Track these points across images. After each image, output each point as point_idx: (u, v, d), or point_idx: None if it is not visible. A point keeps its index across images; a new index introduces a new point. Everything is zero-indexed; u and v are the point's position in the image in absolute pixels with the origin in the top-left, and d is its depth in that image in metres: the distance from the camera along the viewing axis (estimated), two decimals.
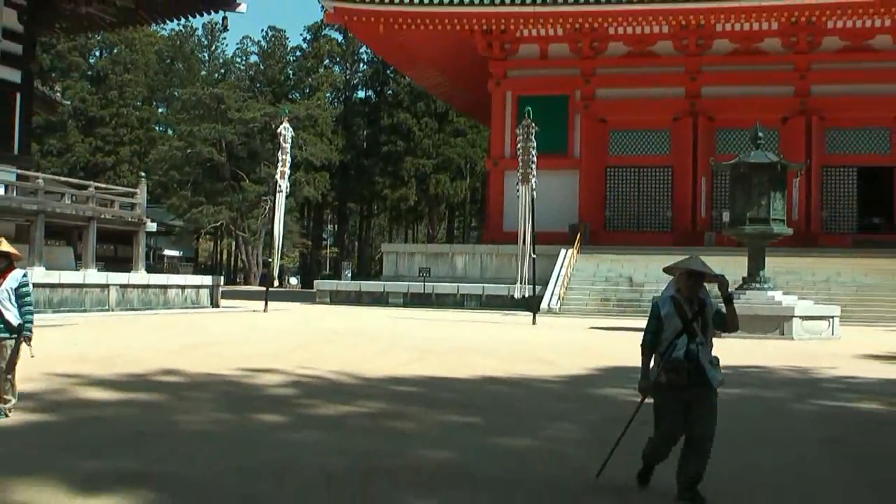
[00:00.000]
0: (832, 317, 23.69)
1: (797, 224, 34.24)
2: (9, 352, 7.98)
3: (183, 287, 30.04)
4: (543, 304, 31.98)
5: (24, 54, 29.02)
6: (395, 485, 6.07)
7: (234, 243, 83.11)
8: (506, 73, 43.28)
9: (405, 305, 35.95)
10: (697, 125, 40.96)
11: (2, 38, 23.32)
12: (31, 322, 8.10)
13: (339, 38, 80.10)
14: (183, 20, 48.01)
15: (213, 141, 71.26)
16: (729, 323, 5.74)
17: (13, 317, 7.91)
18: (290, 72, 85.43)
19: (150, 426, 8.08)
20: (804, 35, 40.20)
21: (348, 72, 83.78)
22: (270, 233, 37.07)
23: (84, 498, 5.45)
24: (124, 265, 29.72)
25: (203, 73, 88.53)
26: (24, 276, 8.16)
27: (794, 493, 6.12)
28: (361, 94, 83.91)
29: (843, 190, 41.18)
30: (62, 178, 33.13)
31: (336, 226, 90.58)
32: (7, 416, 8.04)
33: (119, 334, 18.43)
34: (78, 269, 26.69)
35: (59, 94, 51.51)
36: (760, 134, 24.76)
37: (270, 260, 37.39)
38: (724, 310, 5.77)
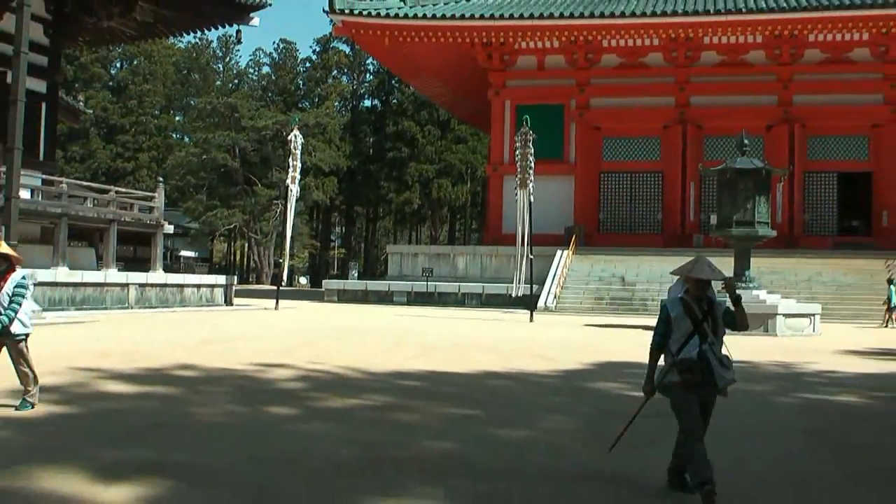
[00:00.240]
0: (813, 314, 23.71)
1: (781, 227, 34.24)
2: (22, 349, 7.92)
3: (198, 286, 30.05)
4: (540, 303, 31.97)
5: (49, 66, 29.06)
6: (401, 473, 6.07)
7: (246, 244, 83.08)
8: (505, 83, 43.28)
9: (409, 304, 35.94)
10: (686, 133, 40.95)
11: (28, 51, 23.27)
12: (7, 320, 7.78)
13: (347, 49, 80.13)
14: (199, 33, 48.13)
15: (227, 147, 71.28)
16: (739, 322, 5.63)
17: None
18: (301, 82, 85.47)
19: (168, 418, 8.09)
20: (787, 48, 40.21)
21: (355, 82, 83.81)
22: (281, 234, 37.12)
23: (105, 485, 5.45)
24: (143, 265, 29.73)
25: (218, 83, 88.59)
26: (23, 278, 8.00)
27: (782, 481, 6.11)
28: (368, 103, 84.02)
29: (823, 194, 41.20)
30: (84, 183, 33.17)
31: (343, 228, 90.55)
32: (33, 406, 8.03)
33: (138, 331, 18.43)
34: (99, 269, 26.70)
35: (81, 103, 51.55)
36: (746, 141, 24.75)
37: (281, 260, 37.41)
38: (732, 308, 5.66)
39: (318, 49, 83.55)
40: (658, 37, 40.17)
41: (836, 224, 41.07)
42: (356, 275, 61.87)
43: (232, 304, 30.90)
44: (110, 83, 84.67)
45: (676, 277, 5.99)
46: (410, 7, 40.74)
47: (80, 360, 12.08)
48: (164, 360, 12.51)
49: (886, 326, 27.11)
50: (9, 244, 22.00)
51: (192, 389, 9.99)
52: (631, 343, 19.05)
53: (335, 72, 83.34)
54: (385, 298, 37.24)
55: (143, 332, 17.94)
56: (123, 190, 32.40)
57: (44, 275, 22.68)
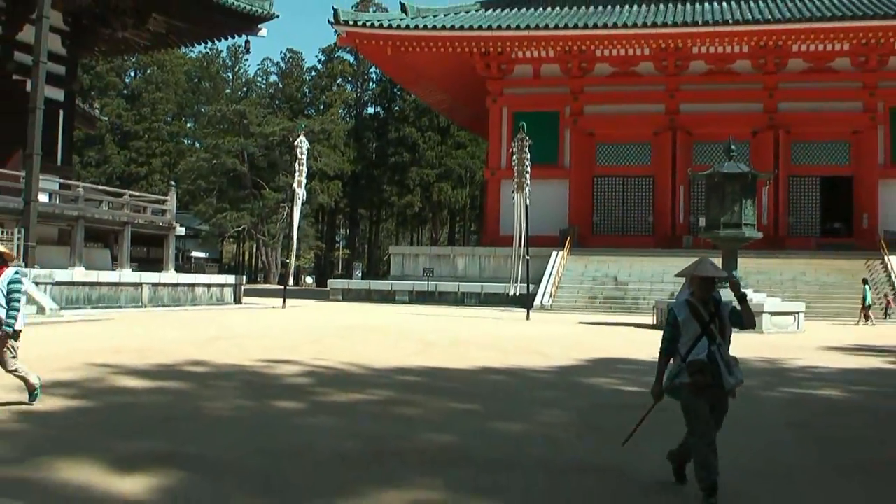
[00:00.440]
0: (798, 313, 23.73)
1: (766, 228, 34.28)
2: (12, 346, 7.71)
3: (209, 286, 30.07)
4: (536, 302, 31.97)
5: (66, 75, 29.13)
6: (403, 465, 6.06)
7: (255, 246, 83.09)
8: (502, 90, 43.28)
9: (411, 302, 35.94)
10: (676, 139, 40.97)
11: (47, 61, 23.33)
12: (14, 319, 7.70)
13: (351, 59, 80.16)
14: (209, 44, 48.11)
15: (236, 153, 71.33)
16: (746, 320, 5.44)
17: (4, 315, 7.62)
18: (307, 90, 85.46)
19: (179, 412, 8.08)
20: (772, 57, 40.23)
21: (359, 90, 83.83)
22: (288, 236, 37.16)
23: (120, 476, 5.45)
24: (156, 265, 29.74)
25: (227, 91, 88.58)
26: (16, 273, 7.81)
27: (767, 472, 6.11)
28: (371, 110, 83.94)
29: (807, 197, 41.24)
30: (100, 187, 33.16)
31: (348, 230, 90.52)
32: (38, 398, 7.92)
33: (151, 328, 18.44)
34: (114, 270, 26.72)
35: (97, 110, 51.63)
36: (733, 147, 24.76)
37: (288, 261, 37.50)
38: (738, 308, 5.49)
39: (323, 58, 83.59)
40: (649, 47, 40.18)
41: (818, 226, 41.12)
42: (360, 275, 61.97)
43: (241, 303, 30.91)
44: (125, 91, 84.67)
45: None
46: (412, 19, 40.77)
47: (95, 356, 12.08)
48: (176, 357, 12.51)
49: (861, 324, 27.18)
50: (28, 245, 22.19)
51: (202, 384, 9.99)
52: (623, 340, 19.08)
53: (340, 80, 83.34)
54: (388, 297, 37.23)
55: (155, 330, 17.94)
56: (137, 193, 32.41)
57: (61, 275, 22.71)
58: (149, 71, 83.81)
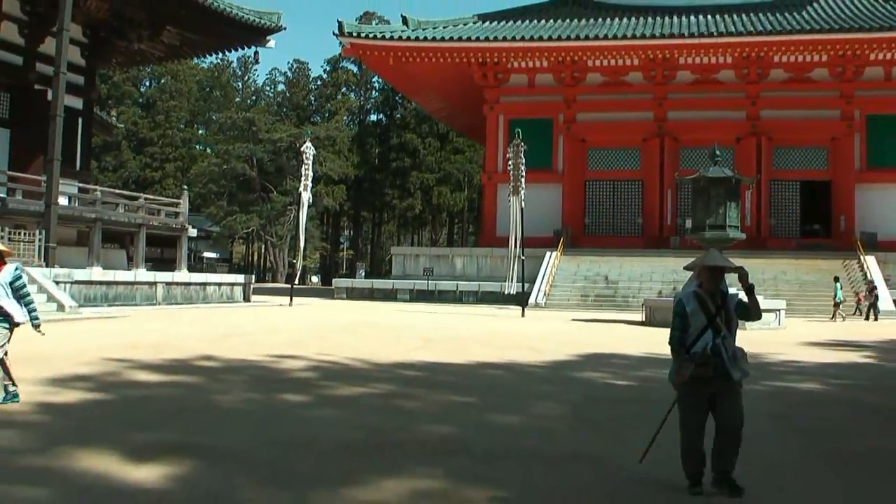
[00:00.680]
0: (779, 310, 23.74)
1: (749, 230, 34.31)
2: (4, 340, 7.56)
3: (219, 284, 30.05)
4: (531, 300, 31.97)
5: (85, 85, 29.15)
6: (404, 455, 6.06)
7: (263, 246, 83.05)
8: (498, 99, 43.27)
9: (411, 301, 35.92)
10: (664, 145, 40.96)
11: (67, 71, 23.35)
12: (35, 310, 7.70)
13: (355, 69, 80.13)
14: (220, 55, 48.06)
15: (245, 158, 71.33)
16: (752, 311, 5.22)
17: (13, 309, 7.48)
18: (313, 98, 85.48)
19: (191, 404, 8.08)
20: (754, 68, 40.25)
21: (362, 98, 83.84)
22: (295, 237, 37.09)
23: (135, 465, 5.45)
24: (169, 265, 29.75)
25: (237, 99, 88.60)
26: (17, 269, 7.67)
27: (751, 461, 6.10)
28: (374, 117, 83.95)
29: (787, 201, 41.25)
30: (116, 191, 33.16)
31: (351, 231, 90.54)
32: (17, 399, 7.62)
33: (165, 325, 18.43)
34: (130, 269, 26.71)
35: (114, 118, 51.64)
36: (718, 152, 24.71)
37: (295, 261, 37.43)
38: (745, 299, 5.27)
39: (328, 68, 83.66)
40: (638, 57, 40.18)
41: (798, 227, 41.13)
42: (363, 274, 61.85)
43: (250, 301, 30.90)
44: (140, 100, 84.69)
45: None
46: (413, 31, 40.78)
47: (111, 351, 12.08)
48: (188, 352, 12.50)
49: (838, 320, 27.25)
50: (49, 246, 22.17)
51: (213, 378, 9.99)
52: (614, 336, 19.07)
53: (344, 89, 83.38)
54: (389, 295, 37.21)
55: (169, 327, 17.94)
56: (151, 197, 32.43)
57: (80, 274, 22.70)
58: (163, 80, 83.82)
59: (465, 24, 42.99)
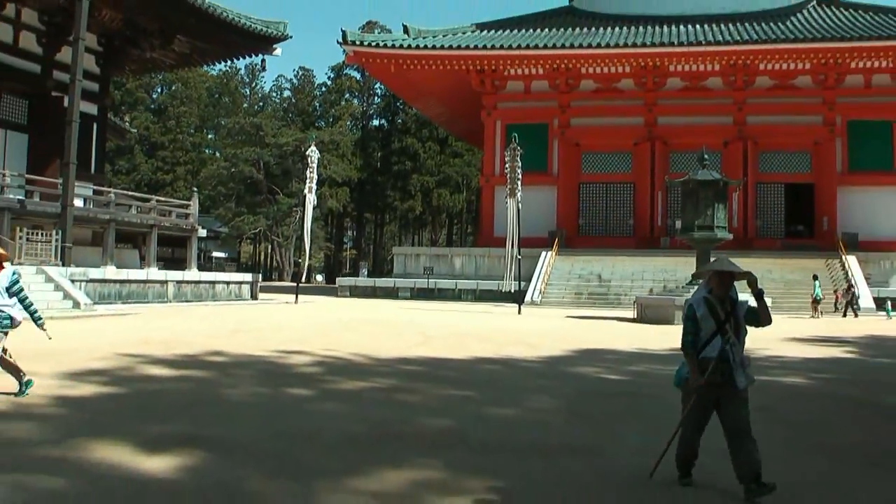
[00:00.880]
0: None
1: (736, 230, 34.33)
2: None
3: (228, 283, 30.02)
4: (527, 297, 31.97)
5: (99, 91, 29.16)
6: (405, 447, 6.06)
7: (270, 246, 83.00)
8: (496, 105, 43.27)
9: (412, 298, 35.92)
10: (654, 149, 40.97)
11: (82, 79, 23.35)
12: (37, 311, 7.65)
13: (358, 76, 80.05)
14: (229, 62, 48.04)
15: (253, 161, 71.29)
16: (762, 317, 5.04)
17: (11, 310, 7.39)
18: (317, 104, 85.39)
19: (201, 398, 8.08)
20: (741, 75, 40.25)
21: (365, 104, 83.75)
22: (300, 238, 37.05)
23: (147, 456, 5.46)
24: (180, 264, 29.71)
25: (245, 105, 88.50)
26: (14, 273, 7.56)
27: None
28: (376, 122, 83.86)
29: (773, 202, 41.26)
30: (129, 193, 33.15)
31: (354, 232, 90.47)
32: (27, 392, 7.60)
33: (175, 322, 18.42)
34: (142, 268, 26.70)
35: (127, 123, 51.57)
36: (706, 156, 24.79)
37: (300, 260, 37.45)
38: (755, 306, 5.08)
39: (332, 75, 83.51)
40: (629, 65, 40.16)
41: (783, 228, 41.15)
42: (366, 273, 61.81)
43: (257, 299, 30.87)
44: (152, 106, 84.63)
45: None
46: (413, 39, 40.76)
47: (125, 347, 12.08)
48: (198, 348, 12.50)
49: (818, 316, 27.33)
50: (65, 246, 22.17)
51: (222, 373, 9.98)
52: (606, 333, 19.07)
53: (347, 95, 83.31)
54: (391, 293, 37.21)
55: (180, 323, 17.93)
56: (163, 199, 32.40)
57: (94, 273, 22.70)
58: (174, 87, 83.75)
59: (463, 33, 42.99)
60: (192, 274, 28.09)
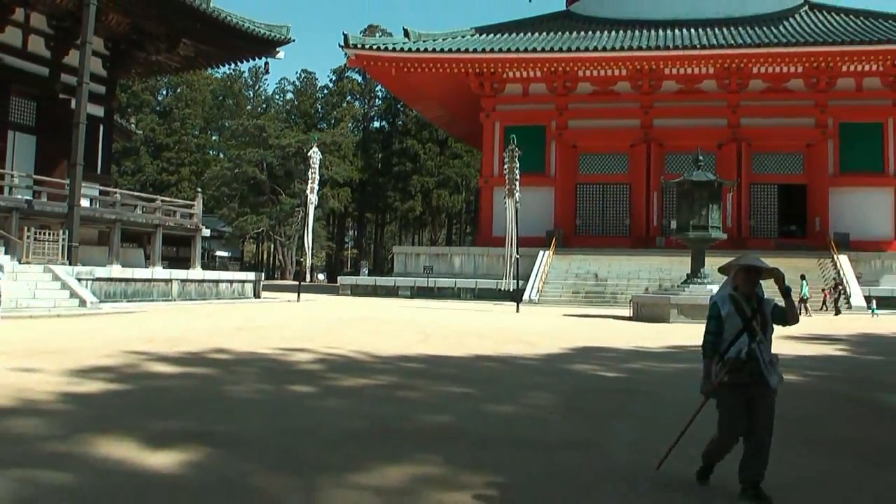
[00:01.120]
0: None
1: (730, 230, 34.31)
2: None
3: (231, 282, 30.00)
4: (525, 296, 31.96)
5: (106, 94, 29.13)
6: (406, 442, 6.05)
7: (272, 246, 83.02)
8: (494, 107, 43.26)
9: (412, 297, 35.92)
10: (650, 150, 40.99)
11: (89, 81, 23.34)
12: None
13: (359, 78, 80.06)
14: (233, 65, 48.09)
15: (256, 163, 71.31)
16: (789, 316, 4.78)
17: None
18: (319, 106, 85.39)
19: (206, 394, 8.07)
20: (735, 78, 40.26)
21: (366, 106, 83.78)
22: (302, 237, 36.99)
23: (152, 451, 5.44)
24: (184, 264, 29.69)
25: (248, 107, 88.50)
26: None
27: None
28: (377, 124, 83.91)
29: (766, 203, 41.30)
30: (135, 193, 33.11)
31: (355, 231, 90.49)
32: None
33: (180, 320, 18.42)
34: (147, 267, 26.68)
35: (133, 125, 51.55)
36: (701, 157, 24.80)
37: (302, 259, 37.43)
38: (781, 303, 4.83)
39: (334, 78, 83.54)
40: (626, 68, 40.19)
41: (776, 228, 41.19)
42: (367, 272, 61.84)
43: (260, 297, 30.86)
44: (157, 108, 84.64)
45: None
46: (414, 43, 40.75)
47: (130, 344, 12.07)
48: (203, 345, 12.48)
49: (806, 315, 27.36)
50: (72, 245, 22.17)
51: (226, 370, 9.97)
52: (603, 331, 19.07)
53: (349, 97, 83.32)
54: (391, 292, 37.21)
55: (184, 321, 17.92)
56: (168, 199, 32.36)
57: (100, 272, 22.69)
58: (179, 90, 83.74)
59: (463, 37, 42.97)
60: (196, 273, 28.07)
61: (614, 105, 41.66)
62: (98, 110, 28.00)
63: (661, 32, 40.75)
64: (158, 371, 9.60)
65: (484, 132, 43.61)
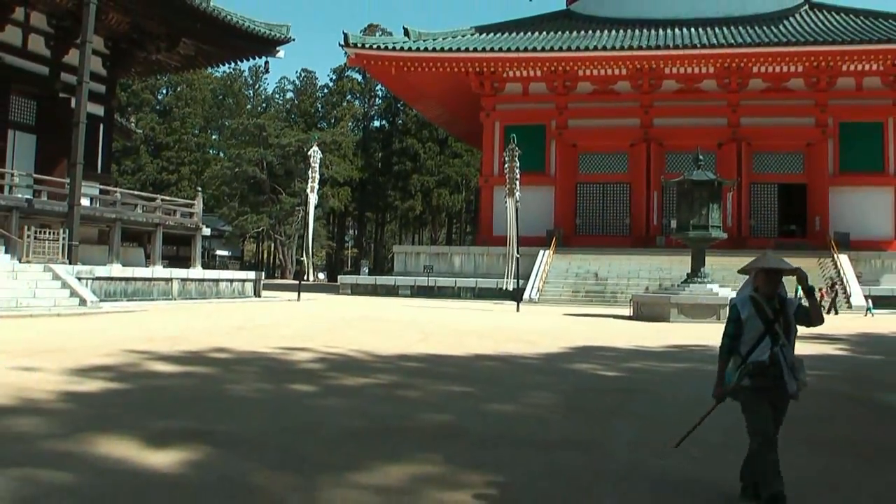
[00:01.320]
0: None
1: (730, 230, 34.30)
2: None
3: (231, 281, 29.98)
4: (525, 295, 31.96)
5: (106, 93, 29.10)
6: (406, 441, 6.05)
7: (272, 245, 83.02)
8: (494, 106, 43.26)
9: (412, 296, 35.92)
10: (650, 150, 40.98)
11: (89, 81, 23.32)
12: None
13: (359, 78, 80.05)
14: (233, 64, 48.09)
15: (256, 162, 71.29)
16: (813, 316, 4.59)
17: None
18: (319, 105, 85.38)
19: (206, 393, 8.07)
20: (735, 77, 40.26)
21: (366, 105, 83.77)
22: (303, 236, 37.01)
23: (153, 450, 5.45)
24: (184, 263, 29.67)
25: (249, 106, 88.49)
26: None
27: (733, 446, 6.11)
28: (377, 123, 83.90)
29: (766, 202, 41.30)
30: (135, 192, 33.08)
31: (356, 231, 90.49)
32: None
33: (180, 319, 18.41)
34: (147, 266, 26.67)
35: (133, 124, 51.53)
36: (701, 157, 24.80)
37: (302, 258, 37.39)
38: (805, 304, 4.64)
39: (334, 77, 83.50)
40: (626, 67, 40.19)
41: (776, 228, 41.19)
42: (367, 271, 61.84)
43: (260, 297, 30.84)
44: (157, 107, 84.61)
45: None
46: (414, 42, 40.75)
47: (130, 343, 12.07)
48: (203, 344, 12.48)
49: None
50: (72, 244, 22.18)
51: (226, 369, 9.97)
52: (603, 330, 19.07)
53: (349, 97, 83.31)
54: (392, 291, 37.21)
55: (184, 321, 17.92)
56: (168, 198, 32.35)
57: (100, 271, 22.68)
58: (179, 89, 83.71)
59: (463, 36, 42.96)
60: (197, 272, 28.06)
61: (614, 104, 41.66)
62: (98, 109, 27.97)
63: (661, 32, 40.74)
64: (159, 370, 9.59)
65: (484, 131, 43.61)
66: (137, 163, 77.69)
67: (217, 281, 28.83)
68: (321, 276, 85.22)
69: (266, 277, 40.02)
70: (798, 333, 4.71)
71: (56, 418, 6.55)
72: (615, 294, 32.51)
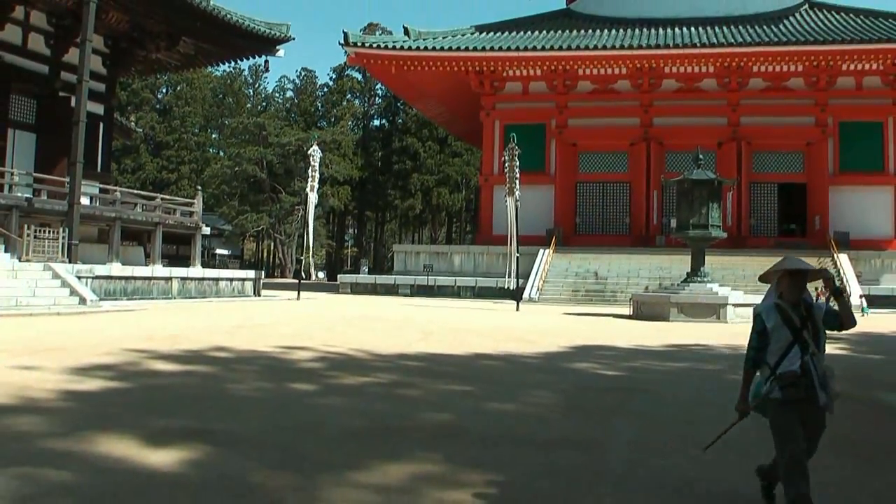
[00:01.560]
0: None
1: (730, 229, 34.29)
2: None
3: (231, 280, 29.98)
4: (525, 294, 31.95)
5: (106, 92, 29.11)
6: (406, 441, 6.05)
7: (272, 244, 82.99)
8: (494, 105, 43.24)
9: (412, 295, 35.90)
10: (650, 149, 40.96)
11: (89, 79, 23.32)
12: None
13: (359, 77, 79.99)
14: (233, 63, 47.99)
15: (256, 161, 71.25)
16: (845, 319, 4.31)
17: None
18: (319, 104, 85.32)
19: (206, 392, 8.06)
20: (735, 77, 40.25)
21: (366, 104, 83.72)
22: (302, 235, 36.98)
23: (153, 449, 5.44)
24: (184, 262, 29.67)
25: (248, 105, 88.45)
26: None
27: (731, 445, 6.10)
28: (377, 122, 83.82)
29: (766, 202, 41.29)
30: (135, 192, 33.07)
31: (356, 230, 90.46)
32: None
33: (180, 318, 18.40)
34: (147, 265, 26.66)
35: (133, 123, 51.53)
36: (700, 156, 24.79)
37: (302, 257, 37.37)
38: (834, 307, 4.38)
39: (334, 76, 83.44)
40: (626, 66, 40.16)
41: (776, 227, 41.18)
42: (367, 270, 61.78)
43: (260, 296, 30.84)
44: (157, 106, 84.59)
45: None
46: (414, 41, 40.73)
47: (131, 342, 12.06)
48: (203, 343, 12.47)
49: None
50: (72, 243, 22.17)
51: (226, 368, 9.96)
52: (603, 329, 19.07)
53: (349, 95, 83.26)
54: (391, 290, 37.20)
55: (184, 319, 17.91)
56: (167, 197, 32.35)
57: (100, 269, 22.68)
58: (179, 88, 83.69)
59: (463, 35, 42.94)
60: (196, 271, 28.05)
61: (614, 103, 41.64)
62: (98, 108, 27.98)
63: (661, 31, 40.73)
64: (159, 369, 9.59)
65: (484, 130, 43.59)
66: (137, 162, 77.70)
67: (217, 280, 28.81)
68: (321, 275, 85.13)
69: (266, 276, 40.01)
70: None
71: (56, 417, 6.54)
72: (615, 293, 32.51)
